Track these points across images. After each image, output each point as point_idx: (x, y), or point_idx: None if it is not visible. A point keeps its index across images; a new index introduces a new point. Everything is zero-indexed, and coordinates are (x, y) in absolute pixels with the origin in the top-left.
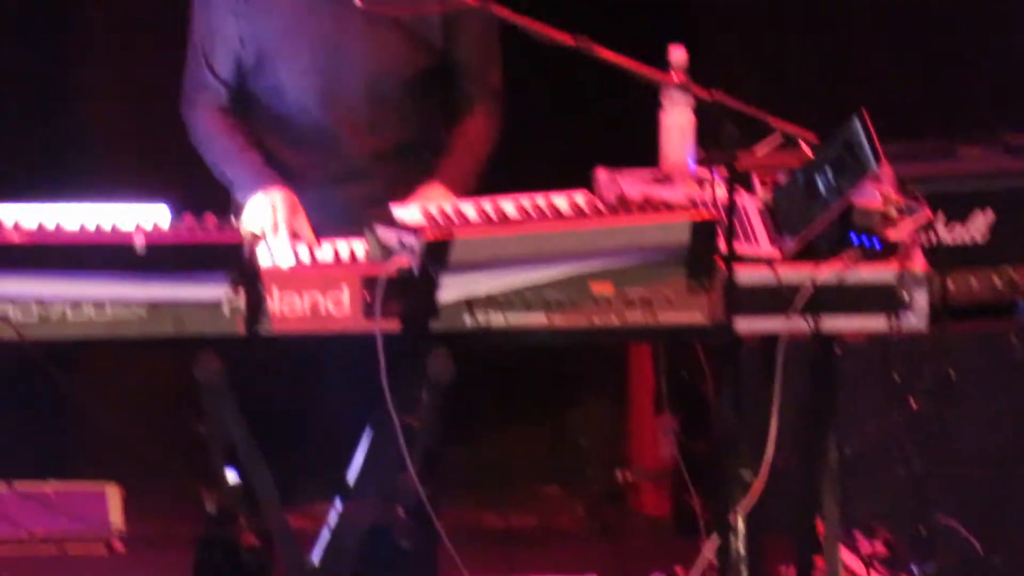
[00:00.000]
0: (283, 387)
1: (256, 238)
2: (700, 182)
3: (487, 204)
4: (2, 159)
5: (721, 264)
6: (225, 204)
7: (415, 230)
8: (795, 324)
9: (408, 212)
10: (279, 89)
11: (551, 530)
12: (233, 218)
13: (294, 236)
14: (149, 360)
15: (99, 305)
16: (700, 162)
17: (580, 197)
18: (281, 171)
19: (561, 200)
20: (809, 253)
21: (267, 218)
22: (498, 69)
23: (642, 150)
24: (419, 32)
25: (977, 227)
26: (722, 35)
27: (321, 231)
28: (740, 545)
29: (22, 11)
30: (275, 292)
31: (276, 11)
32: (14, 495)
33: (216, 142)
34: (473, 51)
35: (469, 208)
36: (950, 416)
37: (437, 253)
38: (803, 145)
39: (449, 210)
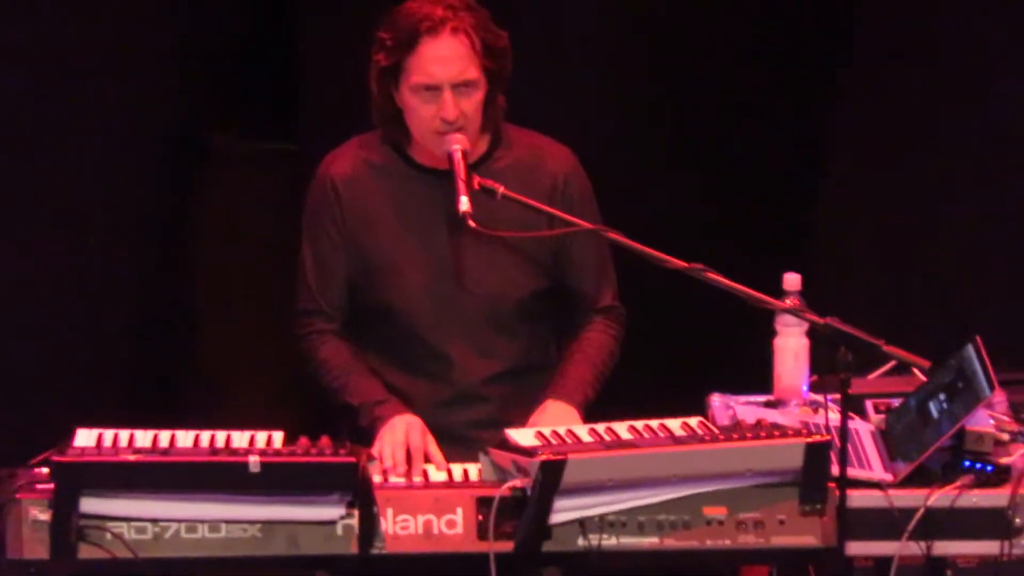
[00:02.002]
0: None
1: (370, 459)
2: (814, 406)
3: (601, 427)
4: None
5: (834, 488)
6: (335, 429)
7: (529, 451)
8: (907, 548)
9: (522, 434)
10: (389, 312)
11: None
12: (348, 442)
13: (427, 462)
14: None
15: (213, 524)
16: (814, 387)
17: (694, 422)
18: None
19: (675, 424)
20: (922, 478)
21: (400, 444)
22: (612, 287)
23: (756, 375)
24: (533, 254)
25: None
26: (836, 262)
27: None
28: None
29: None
30: (389, 512)
31: (387, 234)
32: None
33: (334, 368)
34: (587, 272)
35: (583, 430)
36: None
37: (551, 474)
38: (916, 371)
39: (563, 432)
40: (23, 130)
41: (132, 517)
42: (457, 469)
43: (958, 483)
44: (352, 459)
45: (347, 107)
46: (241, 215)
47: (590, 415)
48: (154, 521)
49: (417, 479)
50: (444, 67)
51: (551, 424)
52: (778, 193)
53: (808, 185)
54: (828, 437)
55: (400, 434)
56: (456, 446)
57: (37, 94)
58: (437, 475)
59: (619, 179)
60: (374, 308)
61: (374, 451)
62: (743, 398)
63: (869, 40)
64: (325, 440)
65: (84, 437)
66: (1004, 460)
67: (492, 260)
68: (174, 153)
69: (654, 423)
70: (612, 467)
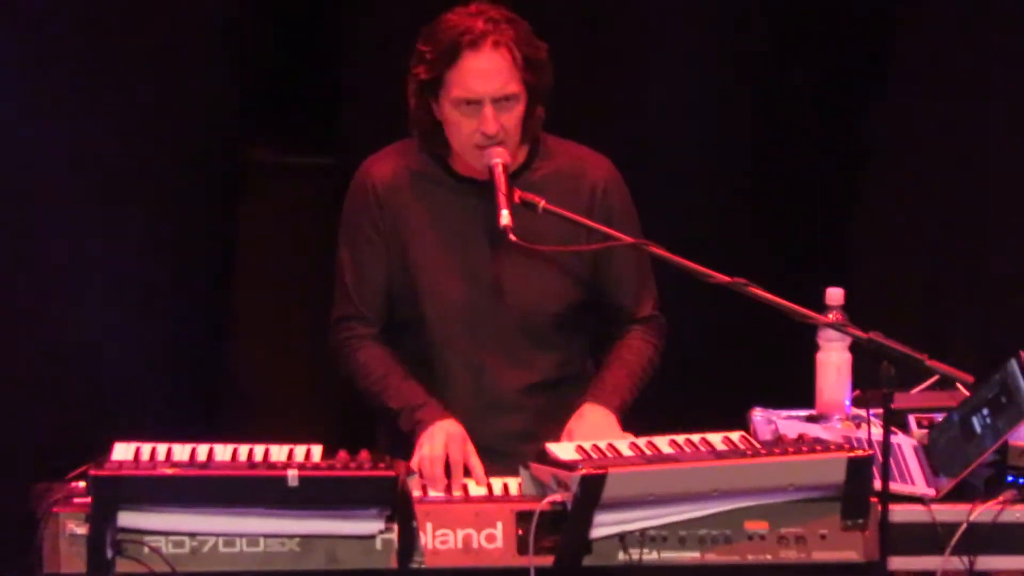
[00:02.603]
0: None
1: (409, 472)
2: (856, 421)
3: (642, 442)
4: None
5: (876, 503)
6: (374, 442)
7: (569, 465)
8: (950, 563)
9: (562, 448)
10: (424, 321)
11: None
12: (387, 456)
13: (466, 468)
14: None
15: (251, 539)
16: (856, 402)
17: (735, 436)
18: None
19: (716, 438)
20: (964, 493)
21: (439, 458)
22: (652, 298)
23: (798, 390)
24: (571, 267)
25: None
26: (879, 276)
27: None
28: None
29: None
30: (428, 527)
31: (425, 243)
32: None
33: (373, 371)
34: (627, 284)
35: (623, 444)
36: None
37: (591, 488)
38: (959, 386)
39: (603, 446)
40: (64, 144)
41: (170, 531)
42: (497, 483)
43: (1001, 498)
44: (391, 473)
45: (386, 120)
46: (280, 229)
47: (630, 424)
48: (192, 535)
49: (457, 493)
50: (485, 82)
51: (589, 429)
52: (821, 207)
53: (851, 199)
54: (870, 452)
55: (439, 446)
56: (489, 458)
57: (79, 107)
58: (477, 489)
59: (658, 192)
60: (409, 317)
61: (414, 461)
62: (785, 412)
63: (908, 53)
64: (364, 454)
65: (122, 451)
66: None
67: (530, 272)
68: (213, 167)
69: (695, 437)
70: (653, 481)
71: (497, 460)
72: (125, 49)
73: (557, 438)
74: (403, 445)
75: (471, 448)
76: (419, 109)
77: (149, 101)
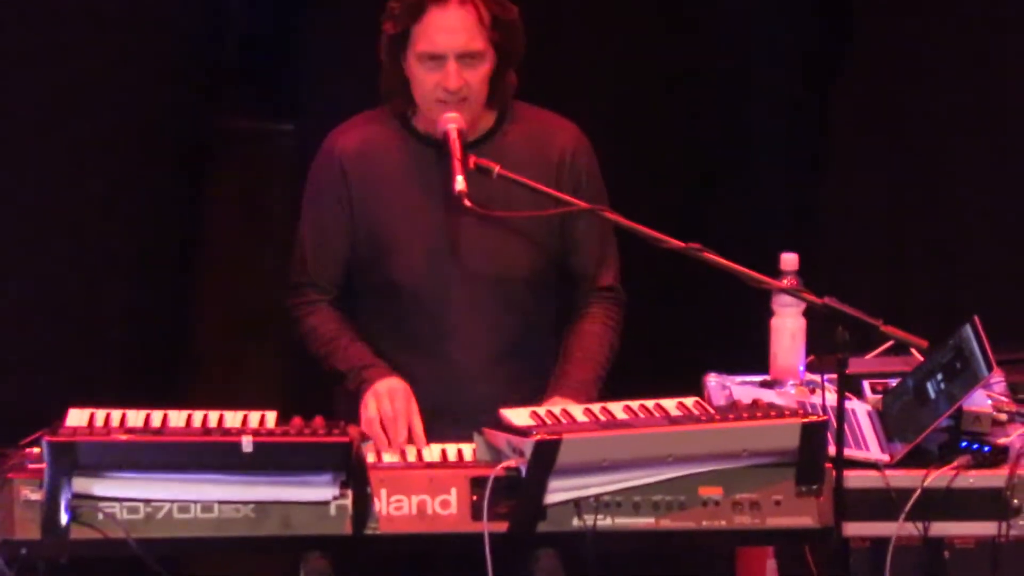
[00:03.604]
0: None
1: (364, 439)
2: (810, 387)
3: (596, 407)
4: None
5: (831, 468)
6: (331, 411)
7: (523, 431)
8: (904, 529)
9: (516, 414)
10: (392, 287)
11: None
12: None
13: (407, 429)
14: (255, 560)
15: (206, 504)
16: (810, 367)
17: (690, 402)
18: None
19: (671, 404)
20: (919, 458)
21: (385, 407)
22: (614, 268)
23: (752, 355)
24: (536, 232)
25: None
26: (834, 242)
27: (432, 432)
28: None
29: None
30: (383, 492)
31: (390, 210)
32: None
33: (323, 335)
34: (590, 250)
35: (577, 410)
36: None
37: (545, 454)
38: (914, 351)
39: (557, 412)
40: (28, 111)
41: (124, 497)
42: (452, 449)
43: (955, 464)
44: (345, 439)
45: (344, 85)
46: (237, 195)
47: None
48: (146, 501)
49: (411, 458)
50: (449, 36)
51: None
52: (777, 173)
53: (807, 165)
54: (825, 417)
55: (385, 403)
56: (460, 426)
57: (43, 74)
58: (431, 455)
59: (617, 160)
60: (378, 284)
61: (362, 421)
62: (739, 378)
63: (871, 15)
64: (319, 420)
65: (76, 416)
66: (1002, 440)
67: (495, 237)
68: (169, 134)
69: (650, 403)
70: (607, 447)
71: (467, 429)
72: (85, 16)
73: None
74: (356, 408)
75: (414, 406)
76: (389, 66)
77: (109, 68)
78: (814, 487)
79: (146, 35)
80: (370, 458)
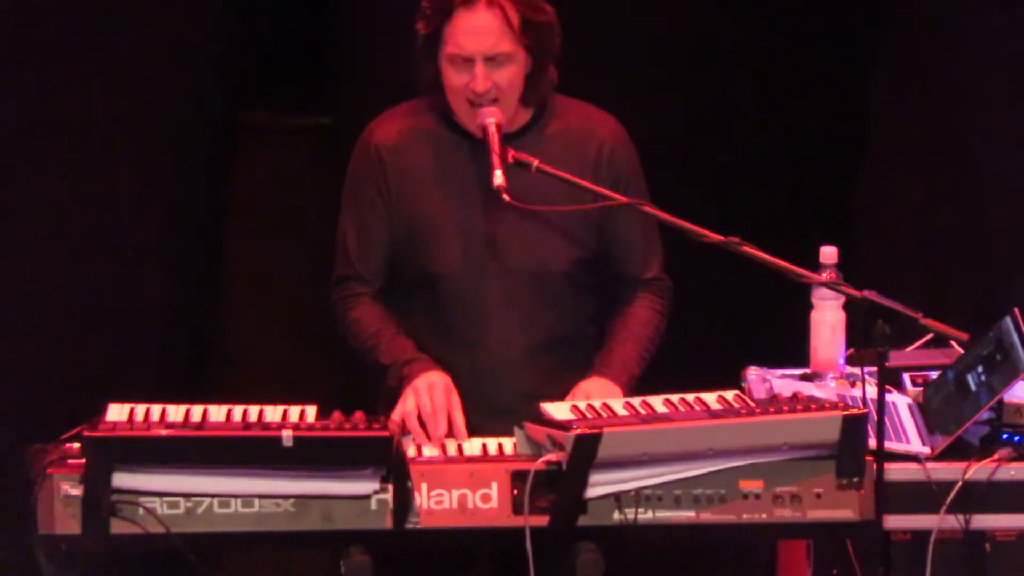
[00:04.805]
0: None
1: (404, 433)
2: (850, 380)
3: (636, 401)
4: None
5: (871, 461)
6: (372, 405)
7: (564, 425)
8: (945, 521)
9: (557, 408)
10: (429, 280)
11: None
12: (383, 417)
13: (448, 423)
14: (296, 555)
15: (246, 499)
16: (850, 360)
17: (730, 395)
18: None
19: (711, 398)
20: (960, 451)
21: (424, 402)
22: (659, 259)
23: (792, 349)
24: (574, 226)
25: None
26: (874, 235)
27: (471, 427)
28: None
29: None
30: (423, 487)
31: (428, 202)
32: None
33: (366, 328)
34: (633, 245)
35: (618, 404)
36: None
37: (586, 448)
38: (954, 344)
39: (598, 406)
40: (57, 104)
41: (164, 492)
42: (492, 443)
43: (997, 456)
44: (386, 433)
45: (384, 79)
46: (274, 190)
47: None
48: (187, 496)
49: (452, 452)
50: (476, 39)
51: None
52: (817, 166)
53: (847, 158)
54: (865, 410)
55: (424, 397)
56: (497, 418)
57: (73, 68)
58: (471, 449)
59: (657, 153)
60: (417, 277)
61: (395, 412)
62: (780, 371)
63: (909, 8)
64: (359, 414)
65: (116, 412)
66: None
67: (533, 231)
68: (205, 129)
69: (690, 397)
70: (647, 441)
71: (504, 420)
72: (117, 8)
73: (562, 399)
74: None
75: (456, 399)
76: (424, 63)
77: (144, 62)
78: (855, 480)
79: (181, 27)
80: (410, 452)
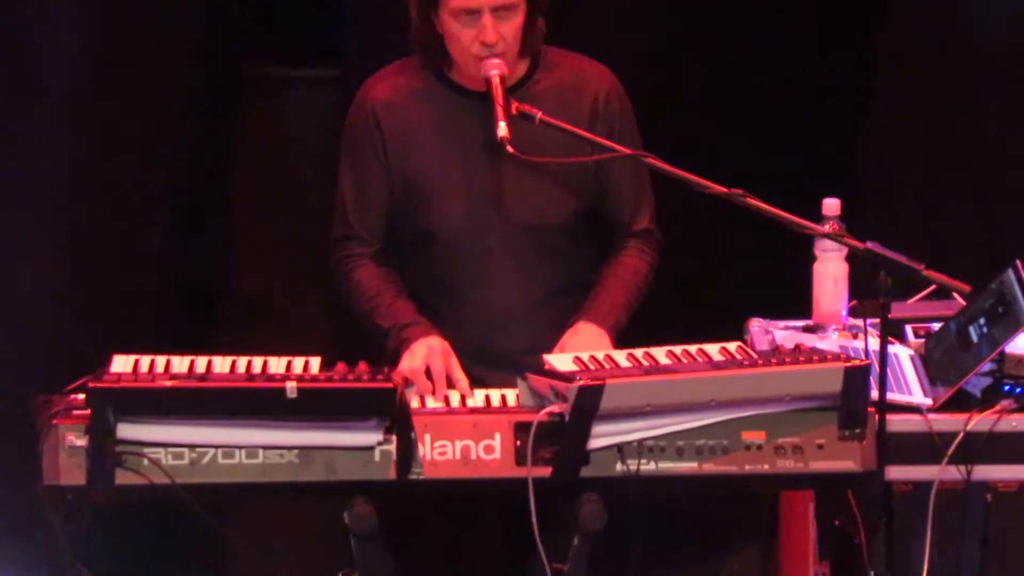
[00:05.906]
0: (434, 532)
1: (408, 384)
2: (853, 331)
3: (639, 353)
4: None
5: (873, 412)
6: (376, 358)
7: (567, 377)
8: (947, 472)
9: (560, 359)
10: (429, 236)
11: None
12: (386, 368)
13: (450, 384)
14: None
15: (250, 450)
16: (853, 312)
17: (732, 347)
18: (433, 320)
19: (713, 349)
20: (961, 402)
21: (422, 365)
22: (650, 211)
23: (795, 300)
24: (574, 178)
25: None
26: (876, 187)
27: (474, 379)
28: None
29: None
30: (427, 438)
31: (426, 159)
32: None
33: (367, 291)
34: (625, 195)
35: (620, 356)
36: None
37: (589, 399)
38: (956, 295)
39: (600, 357)
40: (62, 58)
41: (169, 443)
42: (495, 394)
43: (998, 407)
44: (390, 384)
45: (388, 32)
46: (281, 142)
47: (624, 339)
48: (191, 447)
49: (455, 404)
50: None
51: (581, 346)
52: (820, 118)
53: (850, 110)
54: (867, 362)
55: (419, 359)
56: (501, 371)
57: (77, 24)
58: (475, 400)
59: (659, 105)
60: (417, 233)
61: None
62: (782, 323)
63: None
64: (363, 365)
65: (120, 363)
66: None
67: (533, 184)
68: (208, 80)
69: (693, 348)
70: (650, 392)
71: (508, 373)
72: None
73: (553, 350)
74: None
75: (454, 361)
76: (420, 22)
77: (151, 14)
78: (857, 431)
79: None
80: (414, 404)
